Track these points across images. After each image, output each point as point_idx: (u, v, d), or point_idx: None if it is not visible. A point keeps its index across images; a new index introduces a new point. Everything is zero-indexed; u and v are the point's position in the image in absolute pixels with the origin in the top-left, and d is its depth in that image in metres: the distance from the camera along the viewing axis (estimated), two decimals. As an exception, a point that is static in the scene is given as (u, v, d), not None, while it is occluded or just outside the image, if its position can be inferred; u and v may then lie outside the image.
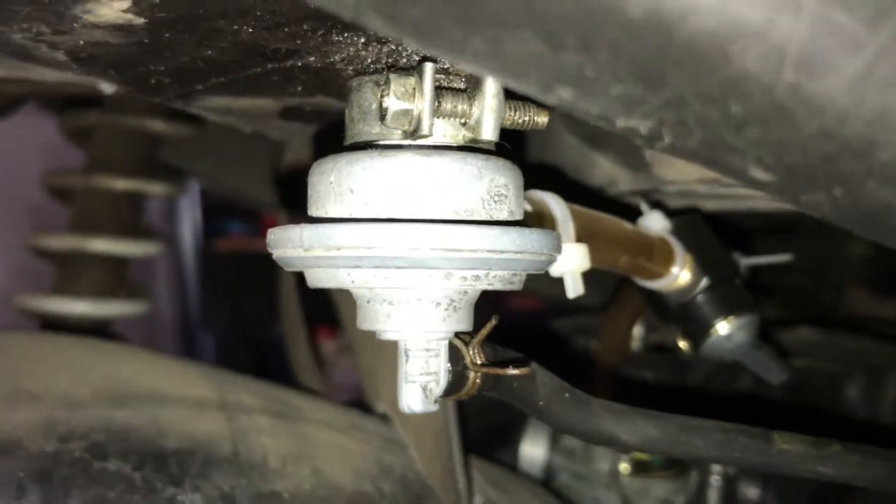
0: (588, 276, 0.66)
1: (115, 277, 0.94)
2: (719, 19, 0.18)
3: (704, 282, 0.58)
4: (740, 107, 0.20)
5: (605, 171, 0.67)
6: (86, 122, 0.94)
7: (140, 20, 0.33)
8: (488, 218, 0.36)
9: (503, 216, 0.37)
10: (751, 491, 0.89)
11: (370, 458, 0.64)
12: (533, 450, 0.91)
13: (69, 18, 0.33)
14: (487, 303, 0.43)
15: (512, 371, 0.39)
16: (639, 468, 0.82)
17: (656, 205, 0.60)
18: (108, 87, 0.74)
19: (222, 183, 1.23)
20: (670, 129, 0.22)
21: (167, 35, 0.36)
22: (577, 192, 0.63)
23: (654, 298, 0.60)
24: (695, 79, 0.20)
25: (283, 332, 1.02)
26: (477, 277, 0.36)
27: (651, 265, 0.55)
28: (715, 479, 0.86)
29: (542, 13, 0.19)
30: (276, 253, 0.38)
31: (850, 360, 0.87)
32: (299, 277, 0.40)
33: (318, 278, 0.37)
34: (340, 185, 0.36)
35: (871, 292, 1.10)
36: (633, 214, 0.58)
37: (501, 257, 0.35)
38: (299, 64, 0.41)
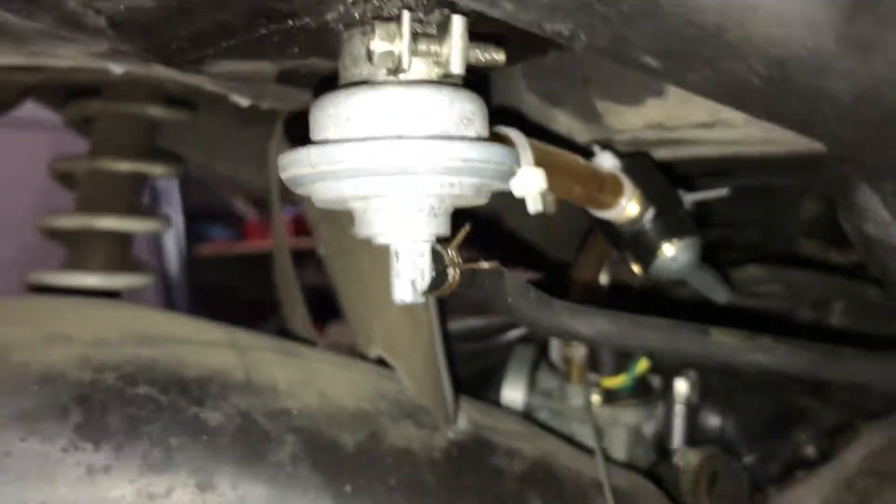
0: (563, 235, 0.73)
1: (122, 253, 1.02)
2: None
3: (651, 211, 0.67)
4: (626, 5, 0.29)
5: (564, 124, 0.76)
6: (89, 110, 1.02)
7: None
8: (461, 135, 0.45)
9: (471, 136, 0.46)
10: (712, 419, 0.99)
11: (368, 384, 0.73)
12: (513, 393, 1.00)
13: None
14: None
15: (484, 265, 0.48)
16: (609, 398, 0.91)
17: (608, 149, 0.69)
18: (117, 68, 0.82)
19: (214, 169, 1.31)
20: (584, 30, 0.31)
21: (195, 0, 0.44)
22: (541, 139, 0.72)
23: (609, 228, 0.69)
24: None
25: (277, 293, 1.09)
26: (452, 184, 0.44)
27: (602, 196, 0.64)
28: (679, 408, 0.95)
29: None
30: (287, 174, 0.46)
31: (797, 294, 0.97)
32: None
33: (324, 193, 0.46)
34: (339, 115, 0.45)
35: (821, 244, 1.19)
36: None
37: (470, 165, 0.44)
38: (298, 24, 0.49)
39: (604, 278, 0.97)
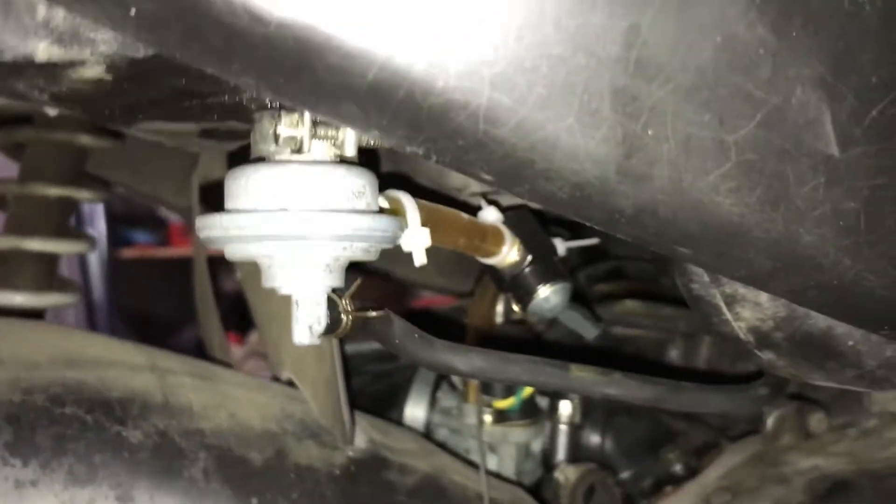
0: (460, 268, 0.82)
1: (48, 273, 1.08)
2: (445, 98, 0.36)
3: (528, 258, 0.76)
4: (462, 141, 0.38)
5: (458, 178, 0.86)
6: (19, 137, 1.07)
7: (110, 77, 0.49)
8: (349, 208, 0.54)
9: (362, 207, 0.55)
10: (593, 438, 1.09)
11: (276, 407, 0.81)
12: (415, 411, 1.09)
13: (62, 77, 0.49)
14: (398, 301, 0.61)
15: (371, 314, 0.57)
16: (500, 418, 1.01)
17: (492, 203, 0.78)
18: (52, 110, 0.89)
19: (138, 191, 1.37)
20: (433, 152, 0.40)
21: (125, 85, 0.52)
22: (436, 197, 0.82)
23: (494, 272, 0.78)
24: (437, 127, 0.38)
25: (197, 312, 1.16)
26: (344, 248, 0.53)
27: (485, 245, 0.73)
28: (563, 428, 1.05)
29: (356, 94, 0.37)
30: (203, 234, 0.55)
31: (669, 326, 1.08)
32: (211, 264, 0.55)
33: (234, 252, 0.54)
34: (247, 186, 0.53)
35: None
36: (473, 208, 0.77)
37: (359, 233, 0.53)
38: (216, 101, 0.58)
39: (500, 307, 1.07)
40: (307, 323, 0.56)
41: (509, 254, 0.76)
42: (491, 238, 0.74)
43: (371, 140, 0.55)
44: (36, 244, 1.05)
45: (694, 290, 0.61)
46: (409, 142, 0.39)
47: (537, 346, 1.06)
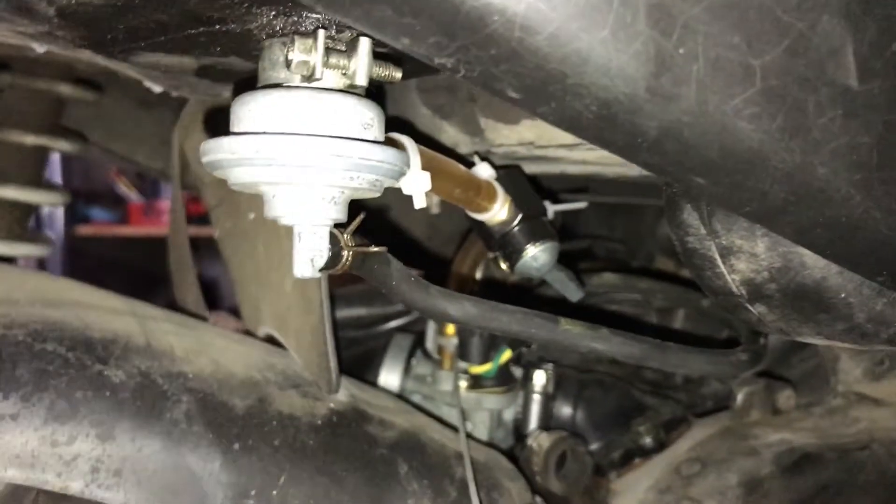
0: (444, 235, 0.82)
1: (22, 223, 1.05)
2: (483, 2, 0.36)
3: (519, 217, 0.77)
4: (495, 50, 0.38)
5: (451, 136, 0.86)
6: (-2, 83, 1.05)
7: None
8: (361, 138, 0.53)
9: (370, 138, 0.54)
10: (564, 409, 1.10)
11: (257, 357, 0.80)
12: (390, 377, 1.09)
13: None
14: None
15: (373, 248, 0.57)
16: (475, 384, 1.01)
17: (486, 160, 0.79)
18: (39, 48, 0.87)
19: (111, 149, 1.35)
20: (462, 65, 0.40)
21: (137, 1, 0.51)
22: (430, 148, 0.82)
23: (483, 229, 0.78)
24: (472, 34, 0.38)
25: (171, 271, 1.15)
26: (352, 178, 0.53)
27: (479, 200, 0.73)
28: (536, 397, 1.06)
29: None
30: (208, 157, 0.54)
31: (646, 300, 1.10)
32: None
33: (239, 177, 0.53)
34: (257, 110, 0.53)
35: (675, 261, 1.33)
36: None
37: (368, 164, 0.53)
38: (224, 29, 0.57)
39: (479, 275, 1.07)
40: (308, 255, 0.55)
41: (500, 211, 0.76)
42: (485, 193, 0.74)
43: (382, 71, 0.55)
44: (10, 192, 1.03)
45: (688, 242, 0.62)
46: (439, 51, 0.39)
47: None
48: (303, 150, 0.51)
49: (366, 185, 0.54)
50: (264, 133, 0.52)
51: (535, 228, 0.78)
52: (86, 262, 3.66)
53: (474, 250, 1.02)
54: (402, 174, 0.57)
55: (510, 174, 0.78)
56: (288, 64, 0.52)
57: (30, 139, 1.04)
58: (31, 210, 1.07)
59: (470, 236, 1.01)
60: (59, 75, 1.04)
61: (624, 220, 1.49)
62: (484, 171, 0.76)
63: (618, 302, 1.12)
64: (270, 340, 0.92)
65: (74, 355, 0.68)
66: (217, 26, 0.56)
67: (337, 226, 0.57)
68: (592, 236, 1.39)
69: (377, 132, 0.55)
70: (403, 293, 0.62)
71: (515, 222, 0.77)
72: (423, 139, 0.86)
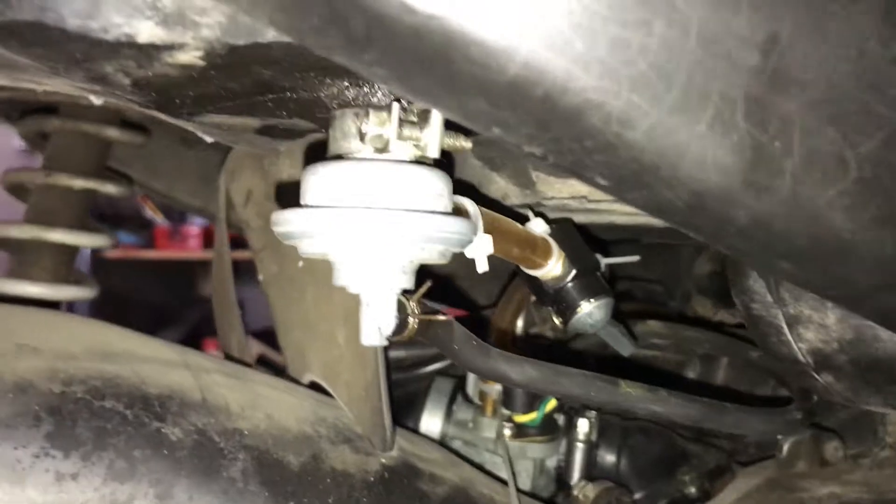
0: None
1: (67, 265, 1.06)
2: (583, 98, 0.36)
3: (573, 272, 0.76)
4: (590, 143, 0.38)
5: (500, 187, 0.86)
6: (45, 127, 1.06)
7: (203, 63, 0.49)
8: (431, 210, 0.53)
9: (441, 209, 0.54)
10: (608, 457, 1.09)
11: (308, 409, 0.80)
12: (430, 422, 1.08)
13: (156, 60, 0.48)
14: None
15: (439, 317, 0.57)
16: (519, 433, 1.00)
17: (539, 214, 0.78)
18: (97, 100, 0.88)
19: (152, 188, 1.36)
20: (553, 154, 0.40)
21: (212, 73, 0.51)
22: (479, 201, 0.82)
23: (536, 285, 0.78)
24: (567, 127, 0.37)
25: (214, 315, 1.15)
26: (422, 249, 0.53)
27: (535, 257, 0.73)
28: (580, 445, 1.05)
29: (491, 90, 0.36)
30: (280, 229, 0.54)
31: (688, 348, 1.09)
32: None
33: (310, 248, 0.53)
34: (331, 183, 0.53)
35: (713, 302, 1.32)
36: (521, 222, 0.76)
37: (439, 236, 0.52)
38: (294, 96, 0.57)
39: (520, 323, 1.07)
40: (376, 324, 0.55)
41: (554, 267, 0.76)
42: (540, 250, 0.74)
43: (453, 142, 0.55)
44: (57, 235, 1.03)
45: (754, 309, 0.62)
46: (530, 141, 0.39)
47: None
48: (376, 225, 0.51)
49: (436, 255, 0.54)
50: (337, 207, 0.52)
51: (590, 284, 0.77)
52: (112, 285, 3.68)
53: (516, 301, 1.02)
54: (470, 242, 0.56)
55: (563, 228, 0.78)
56: (361, 136, 0.53)
57: (78, 183, 1.04)
58: (76, 252, 1.07)
59: (512, 284, 1.01)
60: (107, 119, 1.05)
61: (660, 259, 1.48)
62: (538, 226, 0.76)
63: (661, 348, 1.11)
64: (314, 386, 0.92)
65: (132, 413, 0.68)
66: (287, 94, 0.57)
67: (404, 293, 0.57)
68: (631, 278, 1.39)
69: (447, 201, 0.55)
70: (466, 358, 0.61)
71: (569, 278, 0.77)
72: (472, 190, 0.86)
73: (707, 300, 1.34)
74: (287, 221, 0.53)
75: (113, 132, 1.05)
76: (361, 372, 0.78)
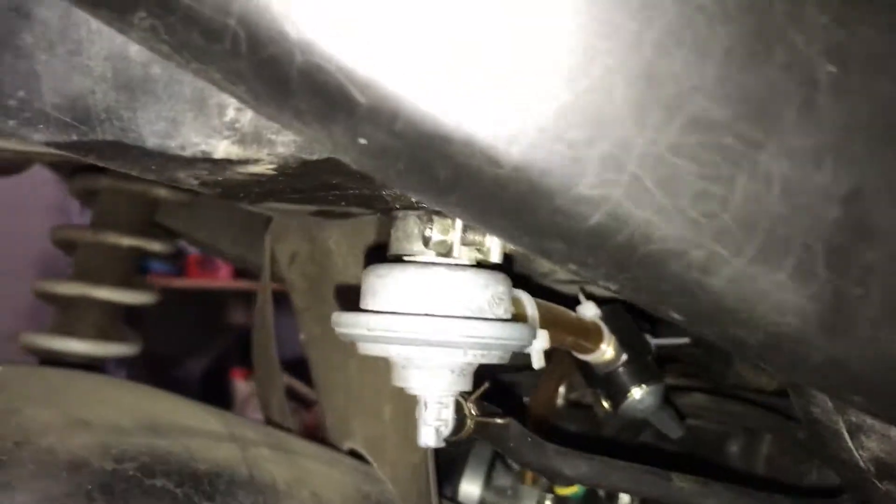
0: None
1: (111, 322, 1.07)
2: (664, 247, 0.36)
3: (624, 357, 0.76)
4: (668, 287, 0.38)
5: (545, 266, 0.86)
6: (95, 185, 1.08)
7: (273, 173, 0.50)
8: (492, 315, 0.53)
9: (500, 313, 0.54)
10: (649, 530, 1.08)
11: (352, 486, 0.80)
12: (469, 487, 1.07)
13: (228, 170, 0.49)
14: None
15: (497, 421, 0.57)
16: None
17: (589, 296, 0.78)
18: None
19: (194, 238, 1.37)
20: (627, 290, 0.40)
21: (281, 178, 0.52)
22: (527, 283, 0.82)
23: (586, 368, 0.78)
24: (646, 271, 0.38)
25: (256, 378, 1.15)
26: (483, 355, 0.53)
27: (587, 344, 0.73)
28: (621, 519, 1.04)
29: (570, 235, 0.36)
30: (341, 330, 0.54)
31: (733, 422, 1.07)
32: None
33: (372, 350, 0.54)
34: (395, 285, 0.53)
35: (753, 367, 1.31)
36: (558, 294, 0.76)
37: (499, 342, 0.53)
38: (357, 192, 0.58)
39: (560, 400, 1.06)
40: (434, 425, 0.55)
41: (606, 351, 0.75)
42: (593, 336, 0.73)
43: (512, 247, 0.55)
44: (104, 293, 1.05)
45: (814, 413, 0.61)
46: (606, 278, 0.39)
47: (597, 433, 1.05)
48: (438, 331, 0.51)
49: (495, 359, 0.54)
50: (401, 314, 0.52)
51: (641, 369, 0.77)
52: (142, 312, 3.70)
53: (557, 375, 1.01)
54: (529, 346, 0.56)
55: (614, 311, 0.78)
56: (425, 241, 0.53)
57: (125, 241, 1.06)
58: (122, 309, 1.08)
59: (555, 355, 1.00)
60: (156, 179, 1.06)
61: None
62: (589, 310, 0.76)
63: (706, 418, 1.09)
64: (353, 453, 0.92)
65: (182, 491, 0.69)
66: (351, 191, 0.57)
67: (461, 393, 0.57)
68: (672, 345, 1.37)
69: (507, 304, 0.55)
70: (521, 454, 0.61)
71: (620, 362, 0.76)
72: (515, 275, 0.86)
73: (747, 365, 1.32)
74: (349, 325, 0.53)
75: (161, 191, 1.07)
76: (409, 454, 0.78)
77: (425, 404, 0.55)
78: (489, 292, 0.53)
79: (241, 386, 3.52)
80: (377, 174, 0.38)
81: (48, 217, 2.50)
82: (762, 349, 0.41)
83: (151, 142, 0.44)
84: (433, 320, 0.51)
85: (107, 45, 0.41)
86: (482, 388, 0.57)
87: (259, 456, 0.77)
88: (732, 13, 0.34)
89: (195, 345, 4.07)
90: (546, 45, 0.33)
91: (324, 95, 0.34)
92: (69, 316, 1.05)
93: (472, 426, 0.57)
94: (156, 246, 1.09)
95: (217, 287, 4.04)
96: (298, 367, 1.11)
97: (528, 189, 0.35)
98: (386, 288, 0.53)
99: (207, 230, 1.38)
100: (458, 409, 0.57)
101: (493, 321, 0.53)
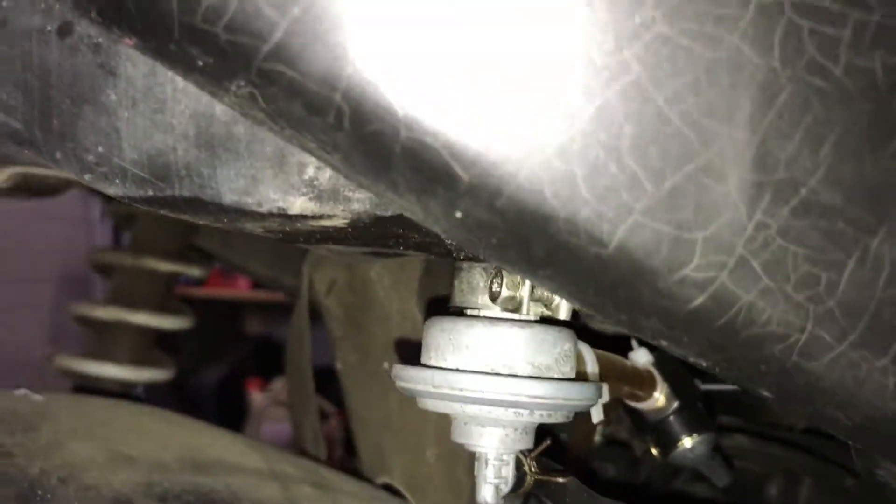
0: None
1: (148, 347, 1.07)
2: (766, 330, 0.35)
3: (676, 405, 0.75)
4: (765, 367, 0.37)
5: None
6: (134, 209, 1.07)
7: (343, 225, 0.49)
8: (558, 374, 0.52)
9: (566, 371, 0.53)
10: None
11: (392, 524, 0.79)
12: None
13: (300, 224, 0.48)
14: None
15: (559, 479, 0.55)
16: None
17: (642, 342, 0.77)
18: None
19: (227, 259, 1.37)
20: (722, 369, 0.39)
21: (350, 230, 0.51)
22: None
23: (636, 415, 0.76)
24: (744, 352, 0.36)
25: (291, 406, 1.14)
26: (549, 415, 0.52)
27: (641, 392, 0.71)
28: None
29: (669, 316, 0.35)
30: (404, 384, 0.53)
31: (773, 464, 1.06)
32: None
33: (435, 407, 0.53)
34: (459, 341, 0.52)
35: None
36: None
37: (566, 403, 0.51)
38: (418, 240, 0.57)
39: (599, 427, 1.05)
40: (494, 483, 0.54)
41: (658, 399, 0.74)
42: (646, 384, 0.72)
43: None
44: (141, 318, 1.04)
45: (879, 475, 0.59)
46: (699, 356, 0.38)
47: (635, 473, 1.04)
48: (506, 393, 0.50)
49: (561, 418, 0.53)
50: (465, 371, 0.51)
51: (692, 418, 0.75)
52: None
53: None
54: (594, 405, 0.55)
55: (666, 357, 0.76)
56: (493, 297, 0.52)
57: (164, 266, 1.05)
58: (158, 334, 1.08)
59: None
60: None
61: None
62: (641, 356, 0.74)
63: (746, 459, 1.08)
64: (387, 487, 0.91)
65: (226, 532, 0.68)
66: (413, 239, 0.56)
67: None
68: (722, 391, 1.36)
69: (573, 362, 0.54)
70: (577, 510, 0.60)
71: (671, 409, 0.75)
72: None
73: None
74: (412, 380, 0.52)
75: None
76: (453, 499, 0.77)
77: (486, 461, 0.54)
78: (557, 350, 0.52)
79: (257, 397, 3.51)
80: (467, 245, 0.37)
81: (71, 226, 2.50)
82: (858, 430, 0.40)
83: (229, 198, 0.43)
84: (501, 381, 0.50)
85: (192, 103, 0.40)
86: (543, 446, 0.56)
87: (300, 494, 0.76)
88: (851, 97, 0.32)
89: (212, 354, 4.06)
90: (656, 127, 0.32)
91: (425, 171, 0.33)
92: (105, 340, 1.05)
93: (531, 483, 0.56)
94: (194, 270, 1.08)
95: (236, 297, 4.04)
96: (322, 375, 1.09)
97: (630, 270, 0.34)
98: (451, 343, 0.52)
99: (241, 253, 1.37)
100: (518, 465, 0.56)
101: (561, 382, 0.51)
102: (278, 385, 3.39)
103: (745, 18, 0.31)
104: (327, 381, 1.11)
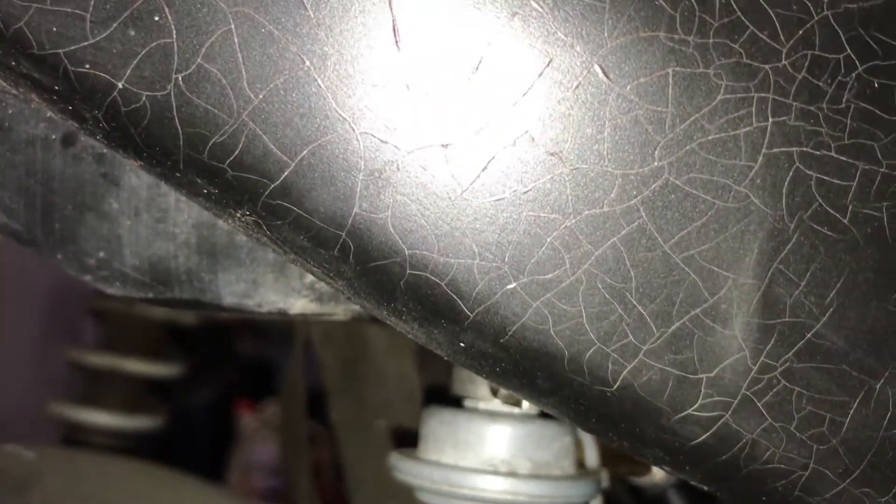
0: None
1: (139, 393, 1.06)
2: (769, 467, 0.35)
3: (674, 479, 0.74)
4: (769, 499, 0.37)
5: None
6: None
7: (343, 319, 0.48)
8: (558, 470, 0.52)
9: (566, 466, 0.53)
10: None
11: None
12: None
13: (299, 320, 0.47)
14: None
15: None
16: None
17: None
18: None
19: (221, 306, 1.36)
20: (720, 492, 0.38)
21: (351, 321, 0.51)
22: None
23: (635, 490, 0.76)
24: (747, 486, 0.36)
25: (285, 457, 1.14)
26: (548, 511, 0.51)
27: (640, 467, 0.71)
28: None
29: (672, 449, 0.35)
30: (401, 476, 0.53)
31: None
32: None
33: (433, 500, 0.52)
34: (458, 436, 0.52)
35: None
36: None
37: (566, 500, 0.51)
38: (418, 327, 0.56)
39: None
40: (493, 574, 0.54)
41: (657, 472, 0.74)
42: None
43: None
44: (133, 365, 1.03)
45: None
46: (702, 483, 0.38)
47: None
48: (505, 493, 0.49)
49: (560, 513, 0.53)
50: (466, 469, 0.51)
51: (691, 492, 0.75)
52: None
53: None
54: (594, 497, 0.55)
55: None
56: (494, 390, 0.52)
57: (160, 312, 1.05)
58: (151, 381, 1.07)
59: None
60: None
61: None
62: (638, 430, 0.74)
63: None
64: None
65: None
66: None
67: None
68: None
69: (572, 454, 0.54)
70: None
71: (670, 482, 0.74)
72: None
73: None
74: (410, 473, 0.52)
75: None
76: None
77: (485, 554, 0.54)
78: (556, 445, 0.52)
79: (248, 420, 3.49)
80: (471, 370, 0.37)
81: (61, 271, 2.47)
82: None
83: (229, 300, 0.43)
84: (501, 480, 0.50)
85: (195, 214, 0.40)
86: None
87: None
88: (858, 245, 0.32)
89: (202, 375, 4.05)
90: (662, 272, 0.32)
91: (429, 305, 0.33)
92: (97, 386, 1.04)
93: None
94: (189, 317, 1.08)
95: (226, 317, 4.02)
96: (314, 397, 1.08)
97: (634, 407, 0.34)
98: (451, 437, 0.52)
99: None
100: (517, 556, 0.55)
101: (560, 480, 0.51)
102: (269, 408, 3.37)
103: (754, 169, 0.31)
104: (318, 403, 1.09)
